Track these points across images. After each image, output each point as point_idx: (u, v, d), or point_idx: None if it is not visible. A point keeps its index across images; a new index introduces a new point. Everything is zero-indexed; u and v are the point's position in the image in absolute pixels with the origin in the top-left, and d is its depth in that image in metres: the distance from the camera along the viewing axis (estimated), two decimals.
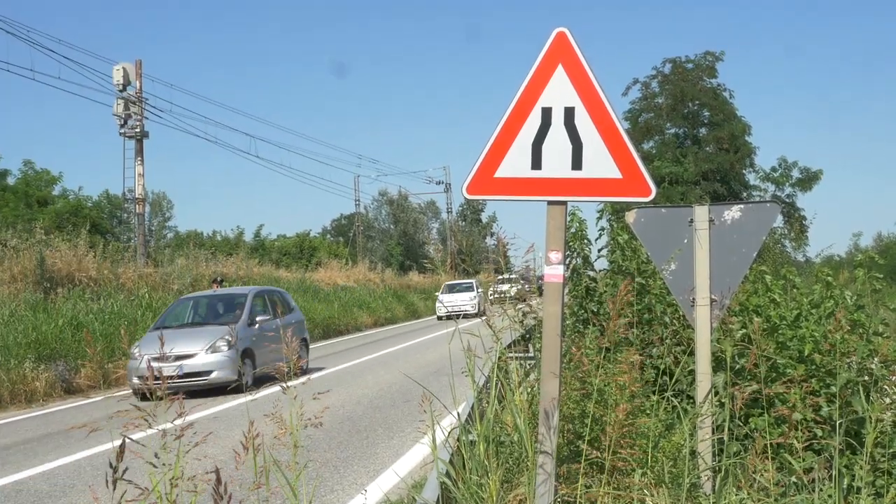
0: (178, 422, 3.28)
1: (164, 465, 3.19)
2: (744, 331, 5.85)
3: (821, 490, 4.35)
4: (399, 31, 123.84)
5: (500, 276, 6.88)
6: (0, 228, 23.38)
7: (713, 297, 5.18)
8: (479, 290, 35.34)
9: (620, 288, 4.47)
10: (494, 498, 4.37)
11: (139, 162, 29.62)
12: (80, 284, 22.02)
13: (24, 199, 36.81)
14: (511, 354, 6.10)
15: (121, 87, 28.73)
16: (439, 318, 32.63)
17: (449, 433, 4.84)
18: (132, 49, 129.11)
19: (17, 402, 15.77)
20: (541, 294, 5.46)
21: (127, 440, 3.04)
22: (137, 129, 29.41)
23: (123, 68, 28.67)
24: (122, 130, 29.43)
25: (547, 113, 4.30)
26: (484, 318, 5.30)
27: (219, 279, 21.55)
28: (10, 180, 38.58)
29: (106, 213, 46.29)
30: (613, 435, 4.10)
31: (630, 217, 5.59)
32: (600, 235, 8.68)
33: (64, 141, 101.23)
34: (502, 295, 6.36)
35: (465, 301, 34.74)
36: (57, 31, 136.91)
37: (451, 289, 38.20)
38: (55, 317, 18.62)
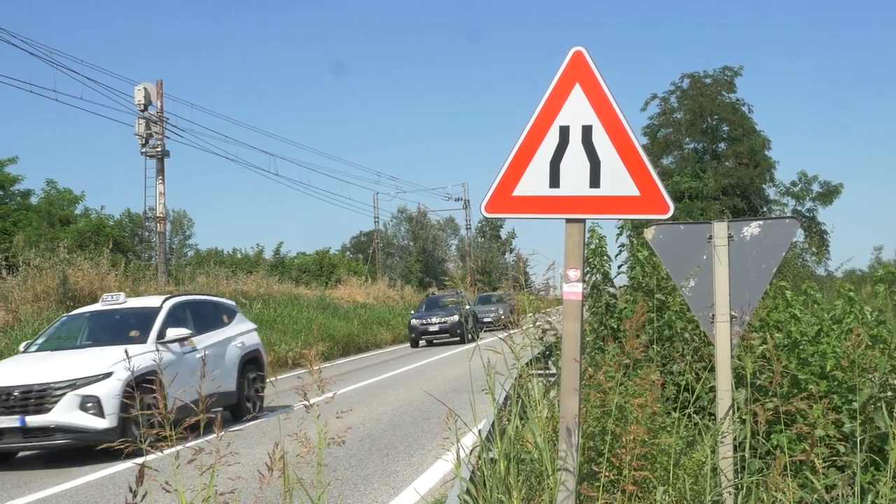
0: (210, 438, 3.32)
1: (175, 490, 3.22)
2: (764, 346, 5.82)
3: None
4: (418, 47, 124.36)
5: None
6: (23, 248, 23.62)
7: (733, 313, 5.17)
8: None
9: (636, 310, 4.47)
10: None
11: (160, 181, 29.93)
12: None
13: (46, 218, 37.16)
14: (531, 372, 6.11)
15: (142, 106, 29.10)
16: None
17: (471, 451, 4.84)
18: (153, 69, 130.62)
19: None
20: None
21: (153, 454, 3.08)
22: (158, 149, 29.77)
23: (145, 88, 29.06)
24: (144, 150, 29.80)
25: (565, 131, 4.32)
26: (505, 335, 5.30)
27: None
28: (34, 200, 38.94)
29: (127, 232, 46.68)
30: (627, 456, 4.09)
31: (648, 234, 5.59)
32: (620, 251, 8.69)
33: (86, 160, 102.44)
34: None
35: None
36: (79, 51, 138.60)
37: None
38: None
